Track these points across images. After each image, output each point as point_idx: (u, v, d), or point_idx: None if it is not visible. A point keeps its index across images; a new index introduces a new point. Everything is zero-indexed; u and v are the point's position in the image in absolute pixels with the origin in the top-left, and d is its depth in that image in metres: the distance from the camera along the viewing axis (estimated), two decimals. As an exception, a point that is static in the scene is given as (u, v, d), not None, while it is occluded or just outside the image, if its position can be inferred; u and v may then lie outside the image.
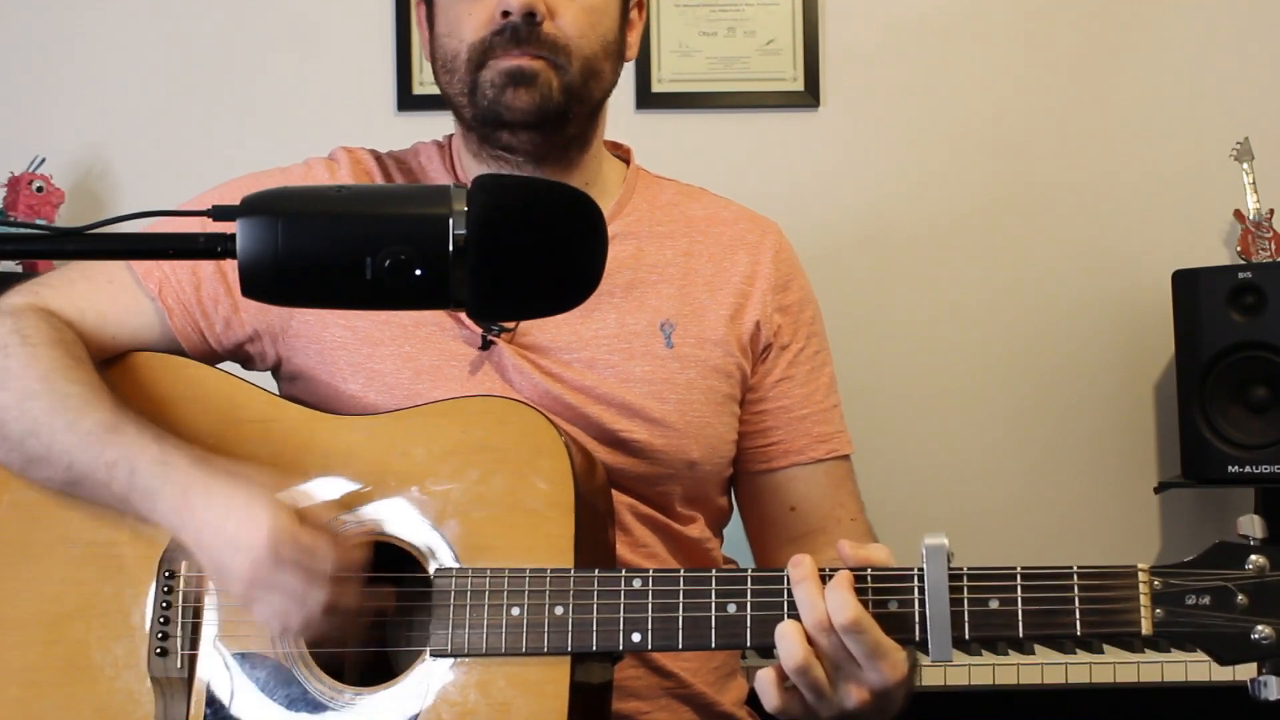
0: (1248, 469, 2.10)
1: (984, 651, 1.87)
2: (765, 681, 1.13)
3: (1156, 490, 2.28)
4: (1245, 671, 1.80)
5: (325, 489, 1.26)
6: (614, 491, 1.34)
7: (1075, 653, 1.87)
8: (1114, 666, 1.83)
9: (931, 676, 1.82)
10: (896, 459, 2.33)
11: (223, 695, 1.23)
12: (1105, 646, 1.89)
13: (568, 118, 1.38)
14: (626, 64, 1.47)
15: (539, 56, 1.34)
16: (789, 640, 1.11)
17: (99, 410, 1.24)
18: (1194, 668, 1.83)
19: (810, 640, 1.11)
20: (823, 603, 1.10)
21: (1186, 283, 2.18)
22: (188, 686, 1.23)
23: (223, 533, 1.16)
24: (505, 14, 1.33)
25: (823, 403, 1.49)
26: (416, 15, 1.49)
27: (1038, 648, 1.88)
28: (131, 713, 1.23)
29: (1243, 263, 2.26)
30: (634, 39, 1.47)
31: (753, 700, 1.51)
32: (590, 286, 0.85)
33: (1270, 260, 2.28)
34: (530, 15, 1.32)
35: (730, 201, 1.54)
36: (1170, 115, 2.44)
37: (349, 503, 1.25)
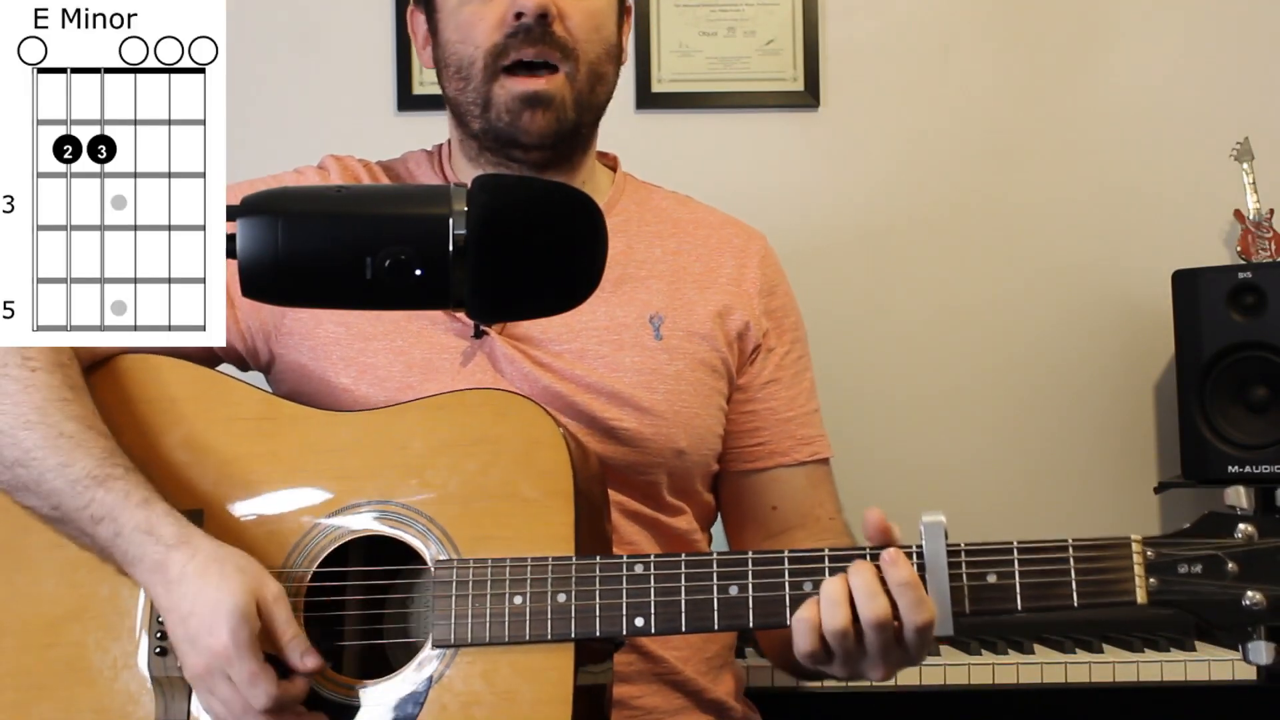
0: (1248, 469, 2.10)
1: (984, 651, 1.87)
2: (805, 623, 1.14)
3: (1156, 490, 2.28)
4: (1245, 671, 1.82)
5: (323, 486, 1.26)
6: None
7: (1075, 652, 1.87)
8: (1113, 666, 1.84)
9: (931, 676, 1.82)
10: (896, 459, 2.34)
11: None
12: (1105, 645, 1.89)
13: (580, 131, 1.42)
14: (623, 66, 1.48)
15: (552, 65, 1.36)
16: (835, 606, 1.13)
17: (90, 456, 1.23)
18: (1193, 667, 1.83)
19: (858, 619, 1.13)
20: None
21: (1186, 283, 2.18)
22: (189, 686, 1.22)
23: (187, 624, 1.17)
24: (518, 15, 1.35)
25: (805, 406, 1.51)
26: (411, 22, 1.49)
27: (1038, 647, 1.89)
28: (132, 713, 1.23)
29: (1243, 263, 2.26)
30: (625, 43, 1.49)
31: (750, 694, 1.52)
32: (590, 286, 0.85)
33: (1270, 260, 2.28)
34: (543, 16, 1.35)
35: (716, 209, 1.57)
36: (1170, 115, 2.44)
37: (346, 498, 1.25)
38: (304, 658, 1.17)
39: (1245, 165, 2.33)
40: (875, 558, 1.15)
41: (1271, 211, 2.33)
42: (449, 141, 1.51)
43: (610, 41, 1.43)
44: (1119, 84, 2.45)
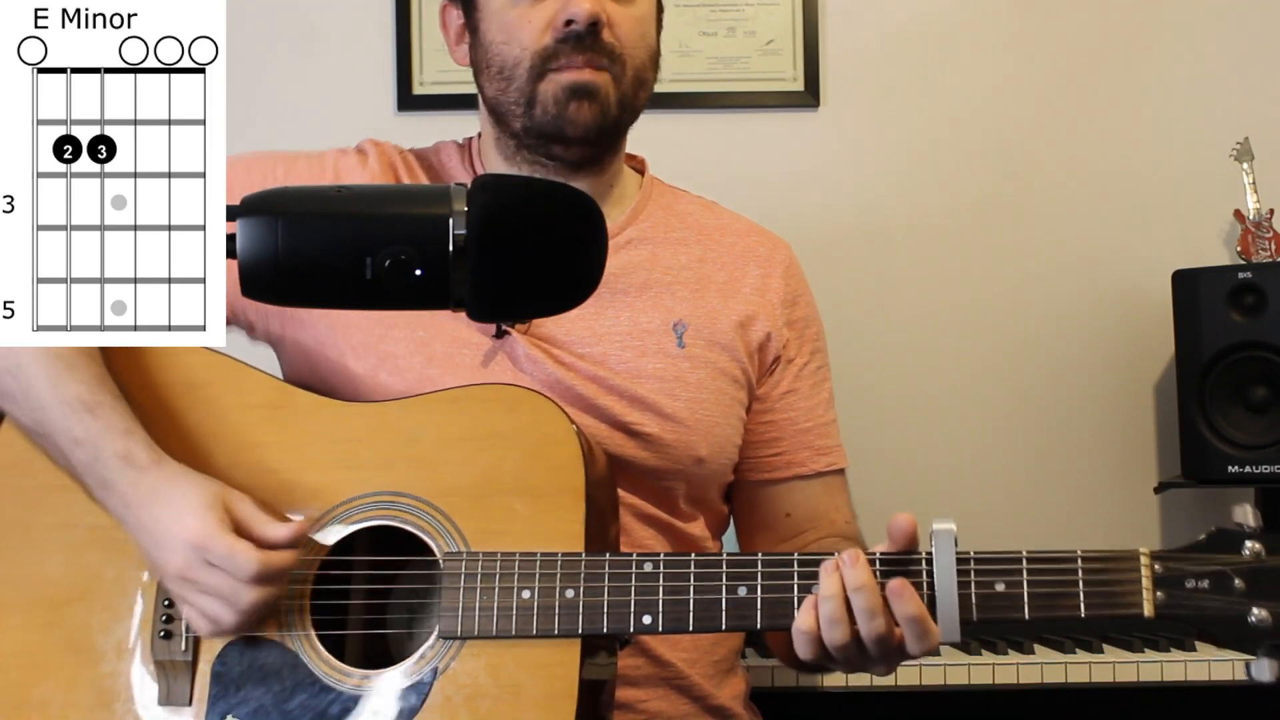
0: (1248, 469, 2.10)
1: (984, 651, 1.87)
2: (805, 635, 1.15)
3: (1156, 490, 2.28)
4: (1245, 671, 1.82)
5: (334, 476, 1.27)
6: (618, 490, 1.34)
7: (1075, 652, 1.87)
8: (1114, 666, 1.84)
9: (931, 676, 1.82)
10: (896, 459, 2.34)
11: (227, 678, 1.23)
12: (1105, 646, 1.89)
13: (619, 130, 1.43)
14: None
15: (600, 68, 1.37)
16: (835, 625, 1.14)
17: (81, 381, 1.25)
18: (1193, 667, 1.83)
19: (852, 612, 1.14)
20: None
21: (1186, 283, 2.18)
22: (191, 669, 1.23)
23: (156, 529, 1.19)
24: (568, 22, 1.35)
25: (823, 417, 1.51)
26: (443, 17, 1.49)
27: (1038, 647, 1.89)
28: (133, 695, 1.23)
29: (1243, 263, 2.26)
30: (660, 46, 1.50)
31: (754, 698, 1.52)
32: (590, 287, 0.85)
33: (1270, 260, 2.28)
34: (594, 24, 1.35)
35: (741, 216, 1.57)
36: (1170, 115, 2.44)
37: (357, 488, 1.26)
38: (278, 529, 1.19)
39: (1245, 165, 2.33)
40: (881, 563, 1.16)
41: (1271, 211, 2.33)
42: (479, 136, 1.51)
43: (653, 48, 1.44)
44: (1119, 84, 2.45)
